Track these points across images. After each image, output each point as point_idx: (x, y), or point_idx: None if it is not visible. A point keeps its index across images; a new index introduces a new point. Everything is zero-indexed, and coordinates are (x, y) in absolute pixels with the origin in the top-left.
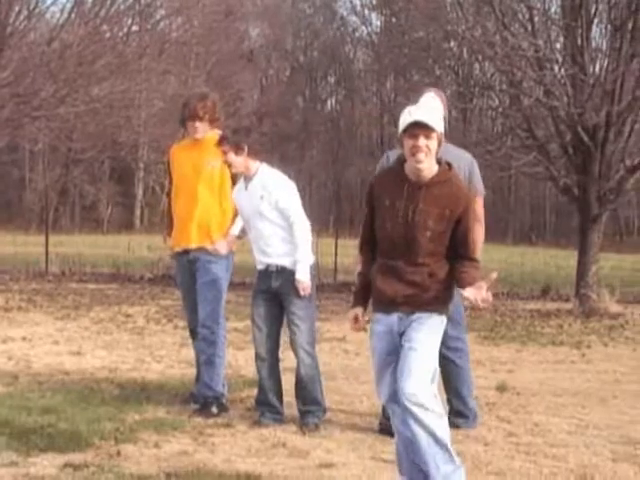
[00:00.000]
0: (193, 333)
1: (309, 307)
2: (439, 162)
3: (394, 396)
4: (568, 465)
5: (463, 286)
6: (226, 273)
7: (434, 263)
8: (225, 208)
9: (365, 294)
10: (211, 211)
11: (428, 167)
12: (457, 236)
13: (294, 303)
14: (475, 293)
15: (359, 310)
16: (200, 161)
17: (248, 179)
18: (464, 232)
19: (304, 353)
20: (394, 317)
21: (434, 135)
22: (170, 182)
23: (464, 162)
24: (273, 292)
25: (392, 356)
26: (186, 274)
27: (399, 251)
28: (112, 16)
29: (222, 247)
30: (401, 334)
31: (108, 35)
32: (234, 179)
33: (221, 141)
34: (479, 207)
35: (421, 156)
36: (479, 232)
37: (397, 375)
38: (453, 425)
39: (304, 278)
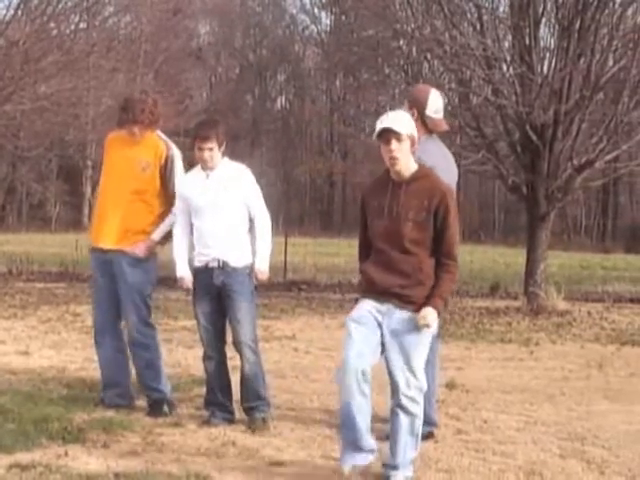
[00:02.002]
0: (99, 334)
1: (251, 304)
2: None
3: (354, 372)
4: (517, 462)
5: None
6: (148, 276)
7: (422, 253)
8: (151, 211)
9: None
10: (135, 212)
11: (404, 166)
12: (436, 229)
13: (236, 300)
14: (429, 319)
15: None
16: (134, 159)
17: (208, 169)
18: (442, 224)
19: (248, 350)
20: (383, 307)
21: (404, 137)
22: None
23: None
24: (215, 289)
25: (367, 339)
26: (102, 273)
27: (388, 243)
28: (59, 13)
29: (141, 250)
30: (385, 326)
31: (55, 32)
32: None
33: (208, 138)
34: None
35: (395, 158)
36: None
37: (392, 370)
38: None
39: (266, 268)
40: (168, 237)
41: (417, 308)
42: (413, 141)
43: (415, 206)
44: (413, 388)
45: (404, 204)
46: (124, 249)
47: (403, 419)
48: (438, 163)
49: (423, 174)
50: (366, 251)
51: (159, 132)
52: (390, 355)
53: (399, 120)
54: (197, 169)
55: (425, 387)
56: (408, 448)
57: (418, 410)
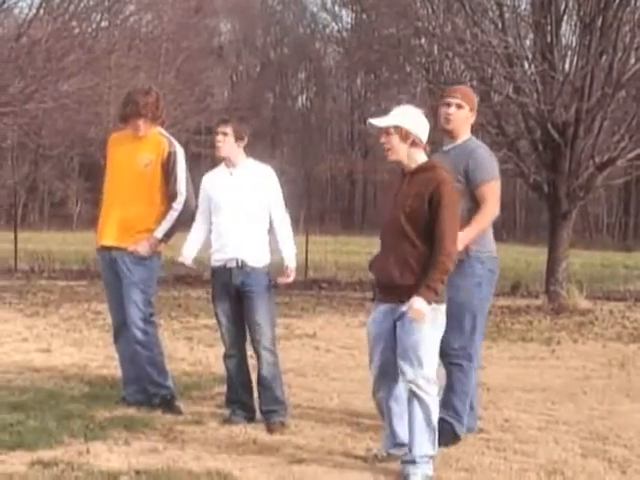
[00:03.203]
0: (117, 333)
1: (269, 304)
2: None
3: (384, 374)
4: (538, 461)
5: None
6: (151, 273)
7: (416, 240)
8: (153, 209)
9: None
10: (137, 211)
11: (396, 157)
12: (431, 219)
13: (255, 301)
14: (415, 307)
15: None
16: (136, 157)
17: (232, 166)
18: (435, 213)
19: (266, 352)
20: (388, 305)
21: (391, 131)
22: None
23: (464, 154)
24: (233, 289)
25: (381, 338)
26: (109, 272)
27: (389, 232)
28: (81, 12)
29: (143, 248)
30: (396, 320)
31: (77, 31)
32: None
33: (226, 122)
34: (487, 192)
35: (386, 149)
36: (486, 213)
37: (399, 360)
38: None
39: (294, 265)
40: (170, 234)
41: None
42: (406, 135)
43: (413, 194)
44: (420, 377)
45: (405, 192)
46: (127, 247)
47: (417, 409)
48: None
49: (429, 166)
50: None
51: (161, 129)
52: (398, 345)
53: (393, 115)
54: (222, 167)
55: (434, 379)
56: (425, 442)
57: (431, 401)
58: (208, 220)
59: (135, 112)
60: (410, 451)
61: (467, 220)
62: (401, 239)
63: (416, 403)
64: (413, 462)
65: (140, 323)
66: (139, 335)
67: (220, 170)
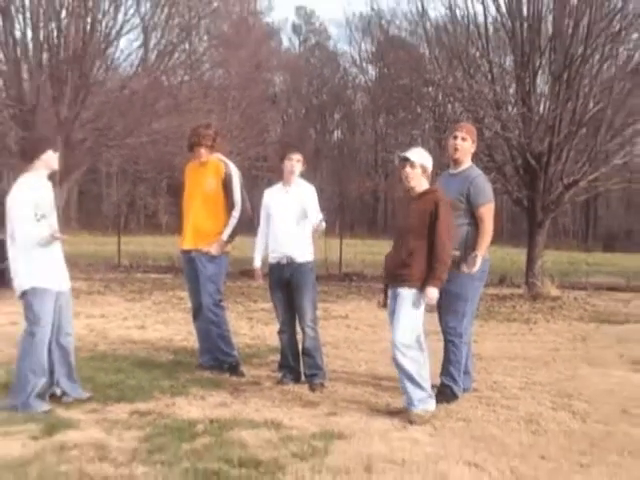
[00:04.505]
0: (195, 314)
1: (312, 293)
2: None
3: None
4: (519, 413)
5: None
6: (221, 268)
7: (415, 244)
8: (219, 218)
9: None
10: (207, 221)
11: (415, 185)
12: (433, 225)
13: (301, 289)
14: (430, 296)
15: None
16: (202, 180)
17: (288, 185)
18: (432, 228)
19: (309, 329)
20: (392, 289)
21: (416, 164)
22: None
23: (467, 180)
24: (285, 280)
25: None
26: (189, 268)
27: (399, 237)
28: (169, 69)
29: (214, 249)
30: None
31: (166, 83)
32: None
33: (300, 151)
34: (484, 212)
35: (408, 178)
36: (487, 231)
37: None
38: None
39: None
40: (234, 236)
41: (407, 284)
42: (424, 170)
43: (417, 212)
44: (399, 343)
45: (412, 208)
46: (202, 248)
47: (400, 367)
48: None
49: (430, 190)
50: None
51: (220, 155)
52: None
53: (415, 154)
54: (279, 186)
55: (413, 345)
56: (411, 389)
57: (406, 361)
58: (268, 225)
59: (197, 142)
60: (408, 397)
61: (465, 230)
62: (407, 241)
63: (399, 362)
64: (412, 404)
65: (212, 307)
66: (212, 316)
67: (278, 188)
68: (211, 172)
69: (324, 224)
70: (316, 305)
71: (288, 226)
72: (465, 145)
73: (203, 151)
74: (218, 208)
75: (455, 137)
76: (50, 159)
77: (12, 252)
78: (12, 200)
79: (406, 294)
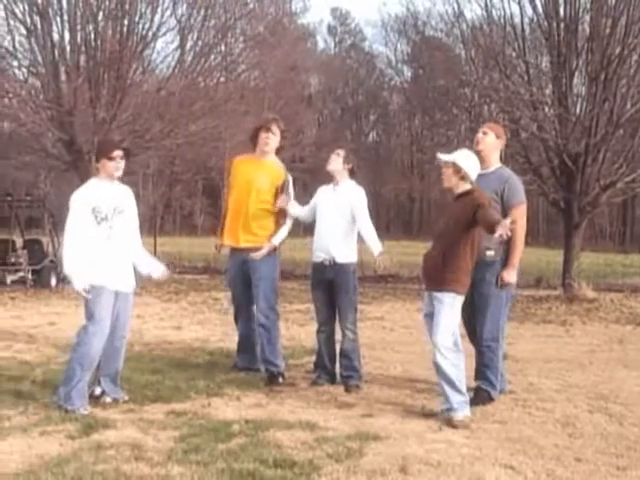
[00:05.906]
0: (236, 314)
1: (353, 295)
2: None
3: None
4: (555, 415)
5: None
6: (274, 269)
7: (450, 246)
8: (270, 219)
9: None
10: (259, 220)
11: (448, 185)
12: (477, 221)
13: (342, 291)
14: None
15: None
16: (255, 177)
17: (336, 184)
18: (479, 217)
19: (349, 331)
20: (428, 293)
21: (450, 165)
22: (229, 189)
23: (501, 179)
24: (327, 281)
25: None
26: (238, 268)
27: (437, 240)
28: (205, 71)
29: (262, 255)
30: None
31: (202, 85)
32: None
33: (341, 147)
34: (517, 214)
35: (444, 178)
36: (519, 233)
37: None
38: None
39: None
40: (283, 240)
41: (445, 289)
42: (457, 170)
43: (456, 213)
44: (440, 345)
45: (451, 210)
46: (254, 246)
47: (440, 369)
48: None
49: (468, 192)
50: None
51: (276, 157)
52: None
53: (453, 156)
54: (330, 186)
55: (451, 347)
56: (451, 393)
57: (448, 364)
58: (312, 215)
59: (267, 127)
60: (447, 401)
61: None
62: (445, 242)
63: (440, 365)
64: (451, 409)
65: (267, 310)
66: (262, 319)
67: (329, 186)
68: (267, 172)
69: (387, 258)
70: (357, 307)
71: (334, 227)
72: (487, 139)
73: (272, 138)
74: (269, 209)
75: (477, 132)
76: (104, 166)
77: (68, 250)
78: (70, 200)
79: (444, 298)
